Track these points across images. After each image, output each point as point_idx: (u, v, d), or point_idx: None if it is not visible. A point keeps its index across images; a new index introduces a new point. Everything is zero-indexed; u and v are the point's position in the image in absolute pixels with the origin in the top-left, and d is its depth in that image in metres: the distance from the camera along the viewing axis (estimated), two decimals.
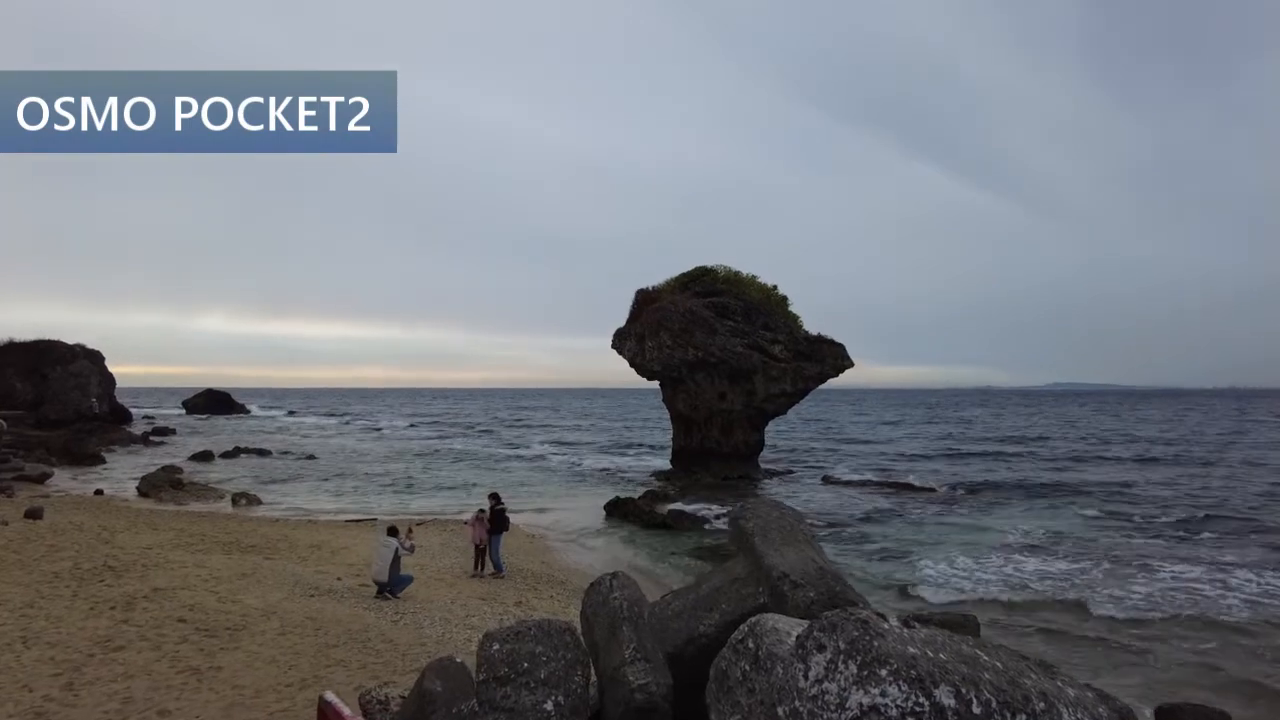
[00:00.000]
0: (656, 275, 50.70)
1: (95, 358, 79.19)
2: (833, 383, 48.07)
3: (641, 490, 38.92)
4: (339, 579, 17.70)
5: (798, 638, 4.44)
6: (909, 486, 41.72)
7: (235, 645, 11.68)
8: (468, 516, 21.59)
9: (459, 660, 6.35)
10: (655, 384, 50.26)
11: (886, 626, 4.28)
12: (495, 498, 20.29)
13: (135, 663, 10.56)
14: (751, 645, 4.63)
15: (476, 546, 19.58)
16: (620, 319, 50.15)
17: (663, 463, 52.36)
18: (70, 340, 78.44)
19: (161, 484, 34.64)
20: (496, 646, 5.26)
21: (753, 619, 4.76)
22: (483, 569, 19.47)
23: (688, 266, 50.22)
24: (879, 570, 22.67)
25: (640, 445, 69.62)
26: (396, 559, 16.15)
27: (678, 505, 34.24)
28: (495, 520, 19.54)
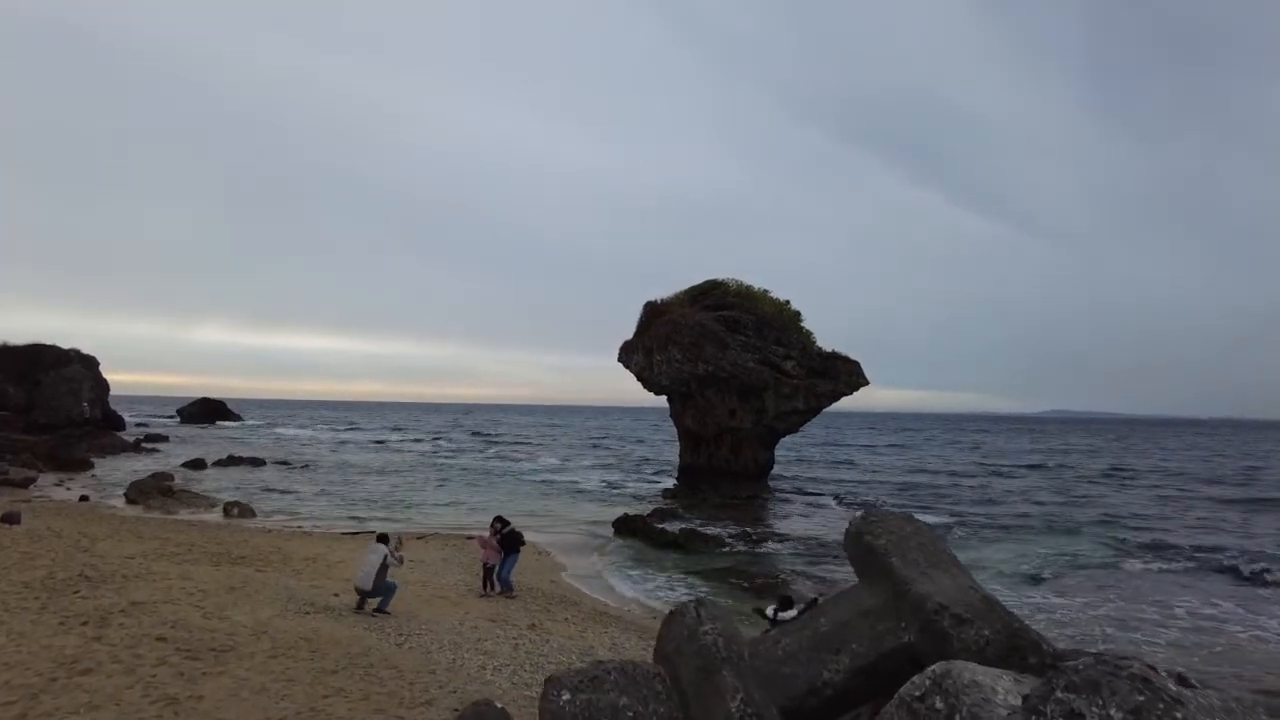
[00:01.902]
0: (656, 293, 49.45)
1: (89, 363, 77.83)
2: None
3: (649, 508, 37.47)
4: (336, 595, 16.28)
5: (1027, 700, 3.10)
6: (926, 508, 40.29)
7: (220, 669, 10.28)
8: (478, 533, 20.24)
9: (499, 706, 4.99)
10: (656, 402, 48.95)
11: (1176, 688, 2.92)
12: (501, 521, 18.89)
13: (103, 690, 9.16)
14: (941, 706, 3.29)
15: (485, 566, 18.21)
16: (621, 337, 48.97)
17: (668, 481, 50.89)
18: (66, 346, 77.18)
19: (150, 491, 33.16)
20: (567, 696, 3.92)
21: (939, 668, 3.42)
22: (492, 588, 18.07)
23: (688, 285, 49.06)
24: None
25: (643, 463, 68.09)
26: (384, 567, 14.83)
27: (689, 524, 32.80)
28: (507, 541, 18.18)
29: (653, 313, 48.26)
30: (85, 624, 11.77)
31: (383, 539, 15.55)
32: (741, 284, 47.59)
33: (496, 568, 18.07)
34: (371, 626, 13.58)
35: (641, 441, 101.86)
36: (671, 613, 4.97)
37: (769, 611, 11.34)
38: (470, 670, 11.57)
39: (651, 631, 16.39)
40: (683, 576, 23.22)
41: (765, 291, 47.39)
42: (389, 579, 15.06)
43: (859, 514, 5.48)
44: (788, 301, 47.29)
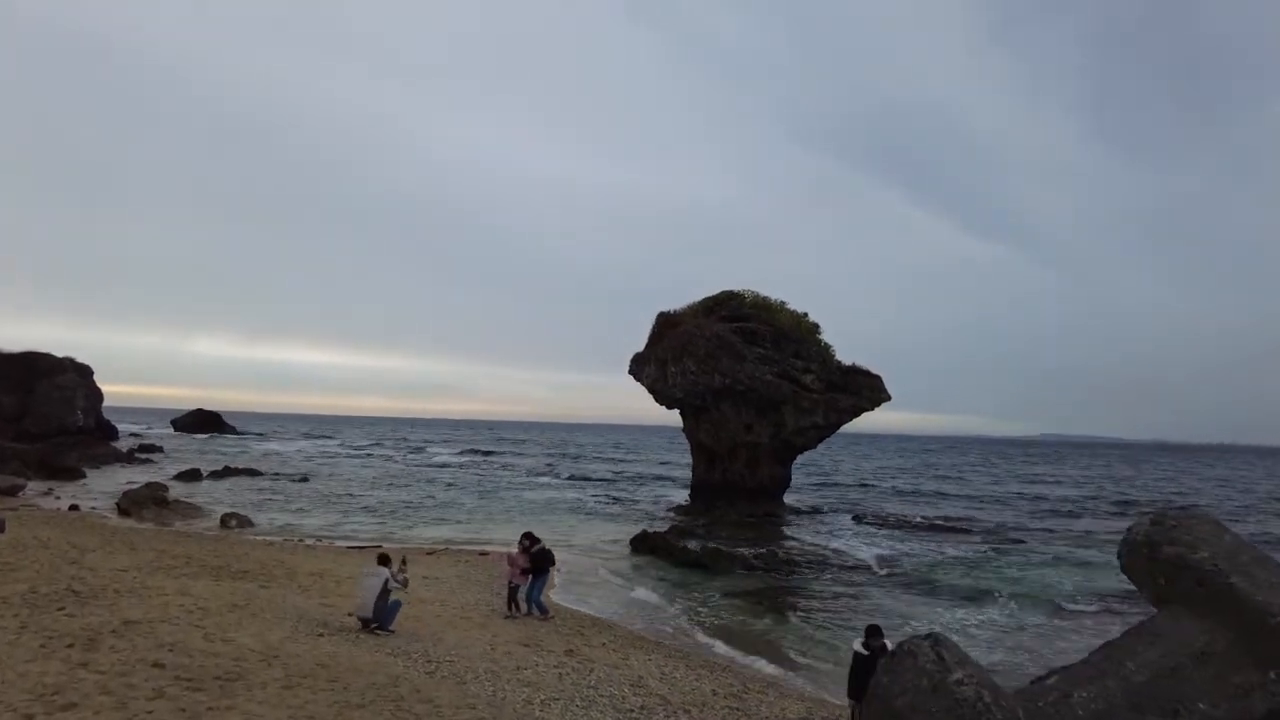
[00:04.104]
0: (655, 311, 48.01)
1: (84, 372, 76.28)
2: None
3: (663, 526, 35.91)
4: (349, 615, 14.76)
5: None
6: (946, 528, 38.78)
7: (228, 703, 8.76)
8: (494, 550, 18.73)
9: None
10: (658, 420, 47.73)
11: None
12: (530, 538, 17.36)
13: None
14: None
15: (510, 585, 16.72)
16: (621, 354, 47.65)
17: (678, 498, 49.30)
18: (60, 355, 75.62)
19: (144, 501, 31.55)
20: None
21: None
22: (517, 609, 16.56)
23: (688, 301, 47.49)
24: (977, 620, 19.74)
25: (651, 480, 66.41)
26: (385, 591, 13.35)
27: (708, 542, 31.24)
28: (537, 559, 16.69)
29: (666, 324, 46.87)
30: (71, 646, 10.25)
31: (384, 560, 14.04)
32: (758, 295, 46.21)
33: (525, 588, 16.59)
34: (396, 651, 12.05)
35: (646, 458, 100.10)
36: (896, 654, 3.57)
37: (858, 645, 9.89)
38: (515, 705, 10.05)
39: (699, 659, 14.90)
40: (712, 597, 21.69)
41: (782, 303, 46.03)
42: (392, 599, 13.59)
43: (1146, 518, 4.07)
44: (805, 314, 45.92)
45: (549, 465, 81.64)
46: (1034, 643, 17.72)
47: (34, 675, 8.94)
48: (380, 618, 13.28)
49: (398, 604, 13.69)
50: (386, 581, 13.41)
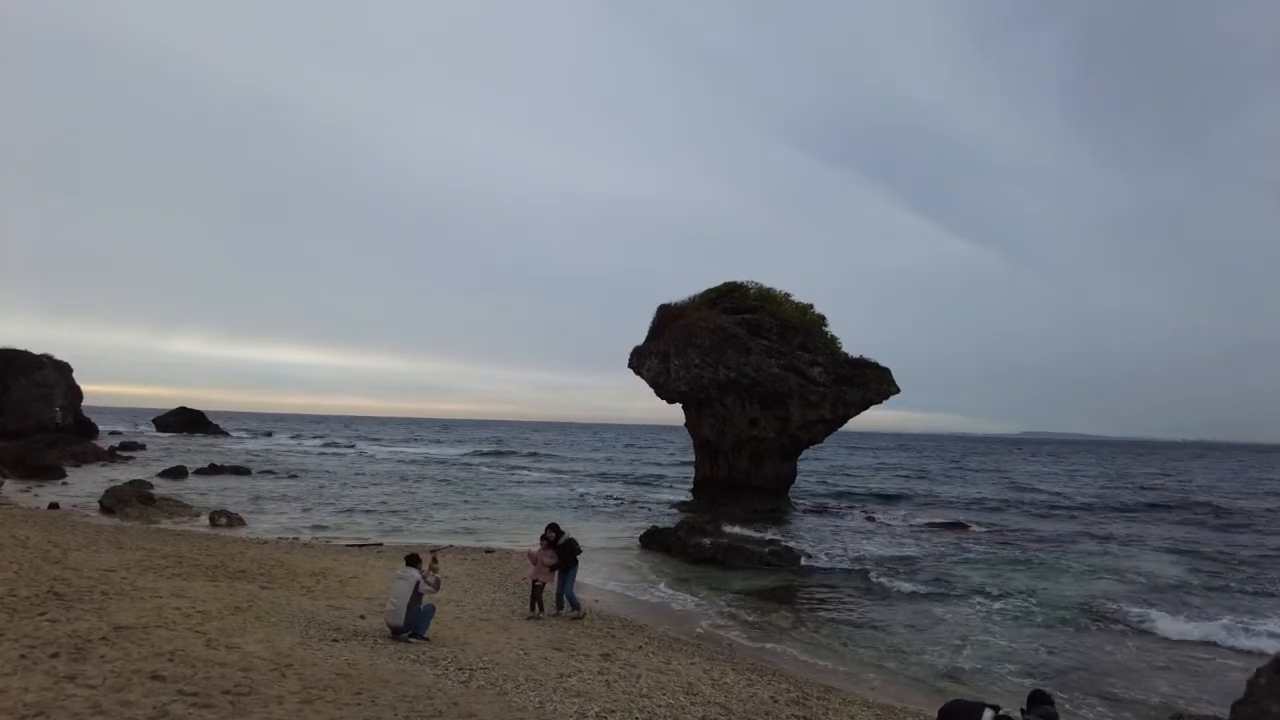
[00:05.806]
0: (641, 314, 47.10)
1: (63, 369, 74.51)
2: None
3: (670, 523, 34.79)
4: (362, 617, 13.56)
5: None
6: (958, 527, 37.92)
7: None
8: (510, 548, 17.57)
9: None
10: (640, 420, 47.00)
11: None
12: (555, 529, 16.20)
13: None
14: None
15: (534, 584, 15.56)
16: (608, 355, 46.68)
17: (676, 495, 48.20)
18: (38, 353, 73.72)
19: (128, 498, 30.03)
20: None
21: None
22: (540, 610, 15.38)
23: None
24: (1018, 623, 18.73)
25: (644, 477, 65.21)
26: (417, 595, 12.15)
27: (719, 539, 30.17)
28: (564, 551, 15.54)
29: (667, 316, 45.76)
30: (56, 657, 8.97)
31: (413, 561, 12.82)
32: (762, 287, 45.22)
33: (556, 585, 15.45)
34: (421, 658, 10.84)
35: (639, 456, 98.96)
36: None
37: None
38: (566, 717, 8.87)
39: (744, 662, 13.67)
40: (735, 596, 20.61)
41: (787, 295, 45.04)
42: (424, 604, 12.38)
43: None
44: (811, 305, 44.95)
45: (541, 463, 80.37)
46: (1067, 646, 16.69)
47: (14, 691, 7.67)
48: (413, 625, 12.08)
49: (431, 608, 12.48)
50: (418, 584, 12.21)
